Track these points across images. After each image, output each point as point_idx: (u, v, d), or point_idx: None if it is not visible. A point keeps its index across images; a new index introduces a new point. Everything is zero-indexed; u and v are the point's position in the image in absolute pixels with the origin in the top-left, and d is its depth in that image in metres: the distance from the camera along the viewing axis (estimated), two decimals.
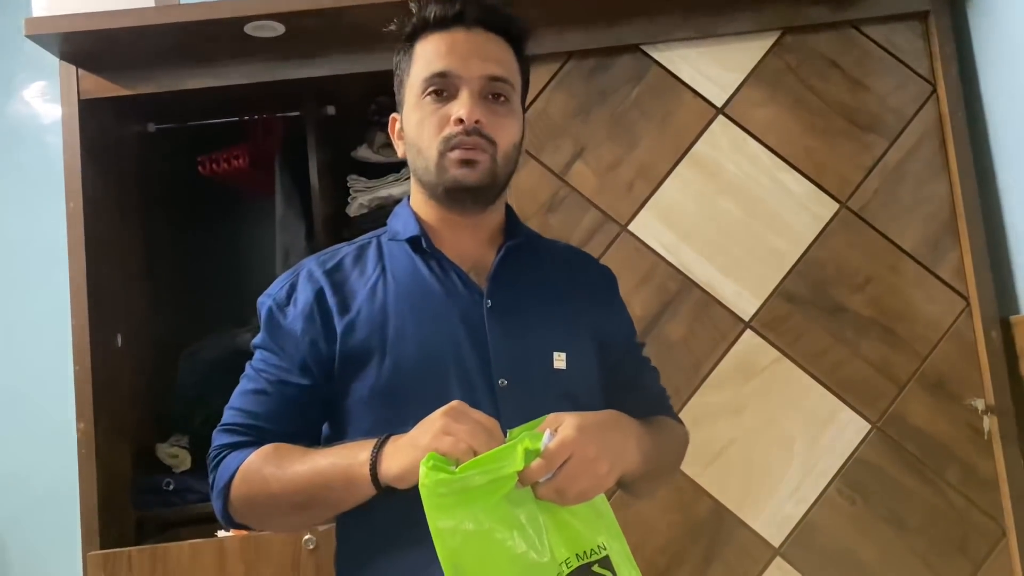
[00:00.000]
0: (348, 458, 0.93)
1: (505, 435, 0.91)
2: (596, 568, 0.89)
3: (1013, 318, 1.79)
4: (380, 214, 2.16)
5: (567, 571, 0.86)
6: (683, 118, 1.91)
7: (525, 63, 1.15)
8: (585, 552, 0.89)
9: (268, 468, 0.99)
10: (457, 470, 0.82)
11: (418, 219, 1.12)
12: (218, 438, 1.06)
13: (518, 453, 0.85)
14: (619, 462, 0.94)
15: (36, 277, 2.30)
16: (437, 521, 0.82)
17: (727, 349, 1.85)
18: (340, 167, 2.23)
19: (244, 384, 1.08)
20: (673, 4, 1.88)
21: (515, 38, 1.12)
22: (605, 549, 0.91)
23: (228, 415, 1.06)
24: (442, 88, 1.06)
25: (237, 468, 1.01)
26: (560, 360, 1.07)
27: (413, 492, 0.84)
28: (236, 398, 1.08)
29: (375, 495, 0.93)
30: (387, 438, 0.93)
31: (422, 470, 0.82)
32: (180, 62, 1.91)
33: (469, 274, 1.10)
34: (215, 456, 1.05)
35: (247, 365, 1.10)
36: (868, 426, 1.82)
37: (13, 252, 2.35)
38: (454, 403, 0.90)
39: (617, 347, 1.19)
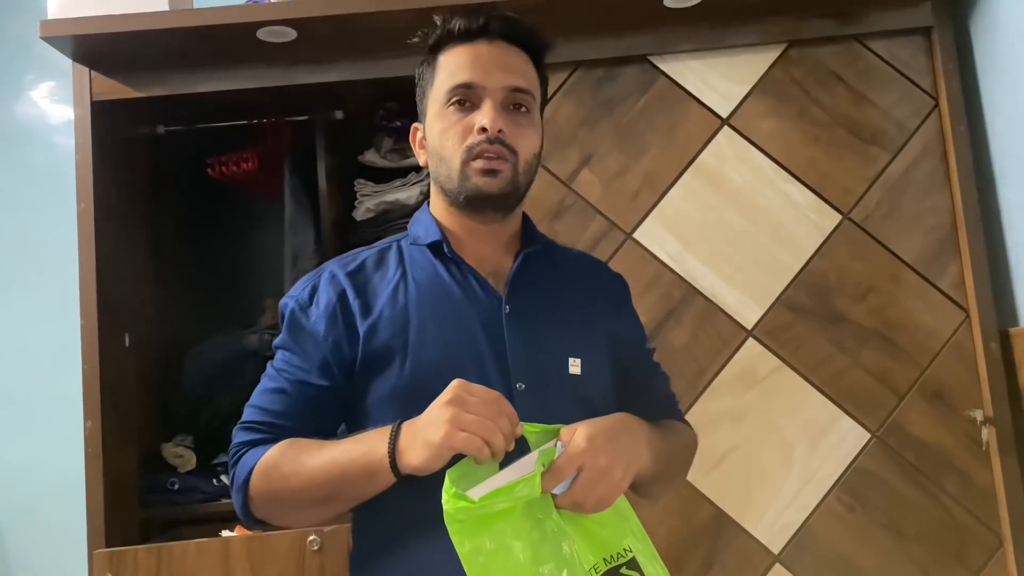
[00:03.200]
0: (366, 453, 0.95)
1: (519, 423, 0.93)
2: (624, 571, 0.91)
3: (1012, 330, 1.81)
4: (386, 218, 2.18)
5: None
6: (689, 128, 1.94)
7: (544, 75, 1.18)
8: (612, 556, 0.91)
9: (287, 464, 1.01)
10: (478, 500, 0.84)
11: (439, 225, 1.15)
12: (237, 436, 1.08)
13: (536, 481, 0.87)
14: (632, 465, 0.96)
15: (45, 277, 2.32)
16: (460, 544, 0.84)
17: (729, 357, 1.87)
18: (348, 171, 2.25)
19: (264, 383, 1.10)
20: (680, 16, 1.90)
21: (535, 51, 1.15)
22: (631, 551, 0.93)
23: (248, 413, 1.08)
24: (466, 98, 1.09)
25: (255, 464, 1.02)
26: (575, 366, 1.09)
27: (430, 488, 0.86)
28: (256, 396, 1.09)
29: (395, 484, 0.95)
30: (399, 427, 0.94)
31: (444, 496, 0.84)
32: (192, 65, 1.93)
33: (488, 279, 1.12)
34: (234, 453, 1.07)
35: (268, 365, 1.12)
36: (868, 435, 1.84)
37: (23, 251, 2.36)
38: (456, 388, 0.91)
39: (629, 353, 1.21)
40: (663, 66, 1.95)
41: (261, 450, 1.04)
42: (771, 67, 1.94)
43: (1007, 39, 1.80)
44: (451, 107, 1.09)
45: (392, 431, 0.94)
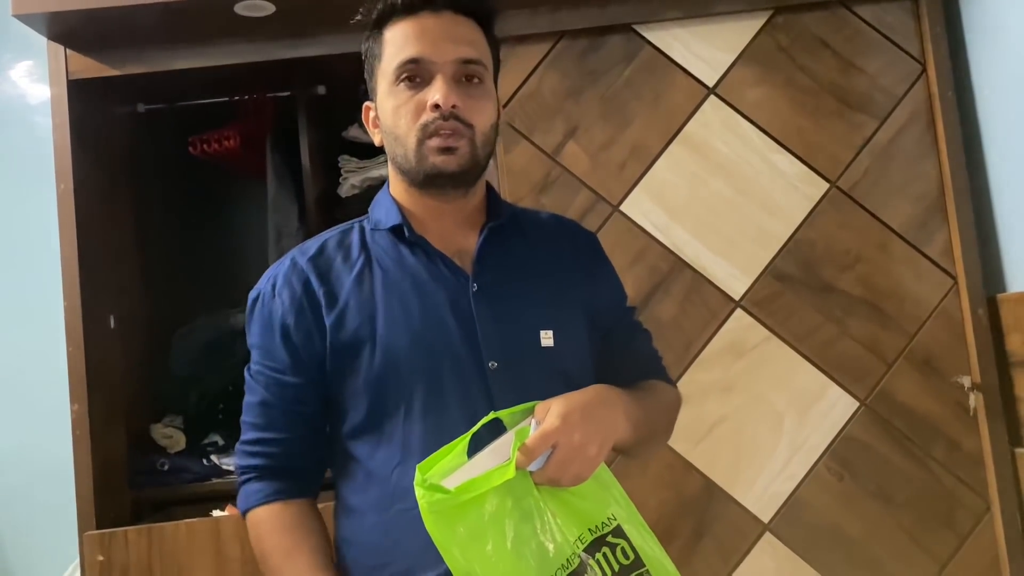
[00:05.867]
0: None
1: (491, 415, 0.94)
2: (610, 539, 0.91)
3: (1000, 296, 1.81)
4: (371, 194, 2.12)
5: (582, 547, 0.89)
6: (675, 98, 1.92)
7: (495, 44, 1.14)
8: (597, 526, 0.92)
9: (266, 548, 1.05)
10: (453, 490, 0.84)
11: (399, 207, 1.12)
12: (239, 457, 1.10)
13: (510, 467, 0.87)
14: (609, 438, 0.96)
15: (27, 259, 2.29)
16: (439, 534, 0.84)
17: (717, 328, 1.87)
18: (331, 147, 2.22)
19: (248, 395, 1.10)
20: None
21: (483, 19, 1.12)
22: (616, 519, 0.93)
23: (242, 430, 1.10)
24: (415, 74, 1.05)
25: (251, 509, 1.07)
26: (548, 338, 1.08)
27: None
28: (245, 411, 1.10)
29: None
30: None
31: (418, 491, 0.84)
32: (170, 42, 1.89)
33: (453, 259, 1.10)
34: (240, 474, 1.09)
35: (246, 371, 1.11)
36: (856, 403, 1.85)
37: (5, 234, 2.34)
38: None
39: (608, 313, 1.19)
40: (648, 35, 1.93)
41: (261, 490, 1.07)
42: (757, 34, 1.92)
43: (995, 3, 1.78)
44: (401, 84, 1.06)
45: None
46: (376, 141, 1.14)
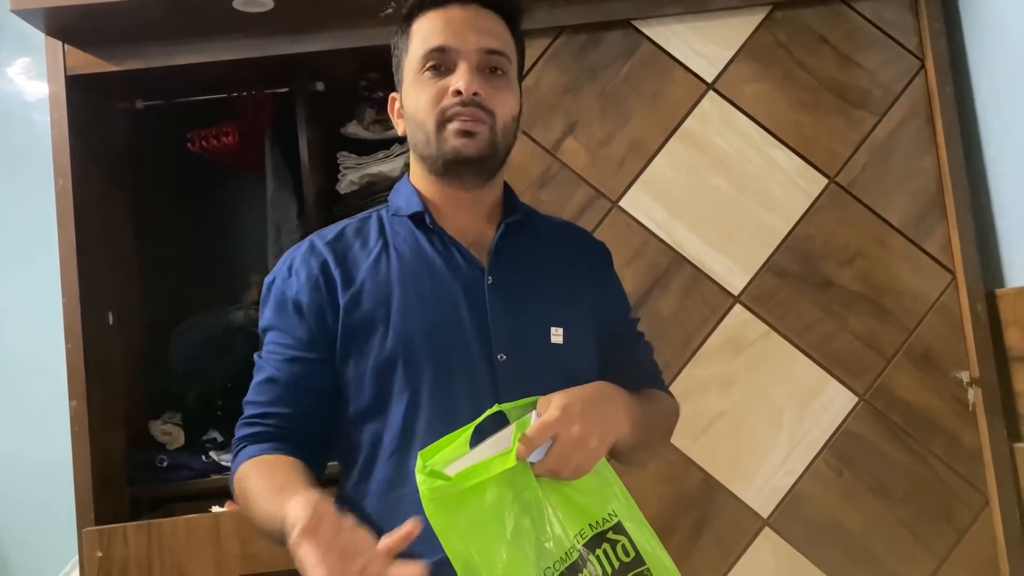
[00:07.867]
0: (279, 518, 0.87)
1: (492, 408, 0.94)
2: (610, 535, 0.91)
3: (998, 291, 1.81)
4: (370, 191, 2.15)
5: (582, 542, 0.89)
6: (674, 94, 1.92)
7: (520, 40, 1.17)
8: (597, 522, 0.92)
9: (247, 491, 1.00)
10: (454, 477, 0.84)
11: (420, 195, 1.14)
12: (237, 431, 1.08)
13: (511, 455, 0.87)
14: (609, 433, 0.96)
15: (25, 255, 2.29)
16: (438, 522, 0.84)
17: (717, 323, 1.87)
18: (330, 144, 2.22)
19: (256, 376, 1.10)
20: None
21: (510, 15, 1.14)
22: (616, 515, 0.94)
23: (245, 408, 1.09)
24: (440, 63, 1.08)
25: (236, 470, 1.03)
26: (557, 335, 1.09)
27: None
28: (250, 391, 1.09)
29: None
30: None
31: (419, 477, 0.84)
32: (168, 37, 1.89)
33: (470, 250, 1.11)
34: (235, 447, 1.07)
35: (255, 356, 1.11)
36: (855, 398, 1.85)
37: (3, 231, 2.33)
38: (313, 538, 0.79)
39: (613, 322, 1.21)
40: (647, 30, 1.93)
41: (252, 449, 1.03)
42: (756, 30, 1.92)
43: None
44: (426, 72, 1.08)
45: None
46: (399, 131, 1.16)
